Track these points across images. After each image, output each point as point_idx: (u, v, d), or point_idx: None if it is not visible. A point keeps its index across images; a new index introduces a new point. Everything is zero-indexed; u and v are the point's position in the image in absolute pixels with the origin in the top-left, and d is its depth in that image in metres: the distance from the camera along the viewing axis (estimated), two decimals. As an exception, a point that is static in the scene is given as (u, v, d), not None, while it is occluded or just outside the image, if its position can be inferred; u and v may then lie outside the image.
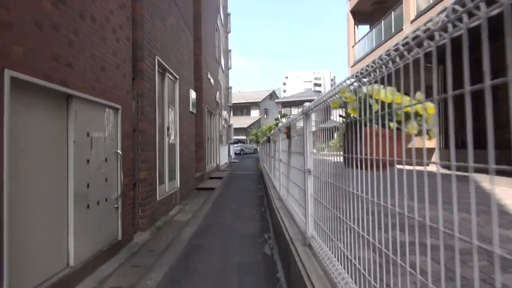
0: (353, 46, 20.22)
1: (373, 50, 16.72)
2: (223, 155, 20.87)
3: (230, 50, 34.48)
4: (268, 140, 8.75)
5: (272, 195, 6.39)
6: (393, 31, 14.95)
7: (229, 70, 35.06)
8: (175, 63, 7.40)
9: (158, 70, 6.11)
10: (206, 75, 13.10)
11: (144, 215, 5.05)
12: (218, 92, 17.33)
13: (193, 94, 9.45)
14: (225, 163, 22.33)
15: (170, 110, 6.98)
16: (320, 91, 59.40)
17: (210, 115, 14.69)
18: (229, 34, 35.54)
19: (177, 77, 7.55)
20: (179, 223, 5.82)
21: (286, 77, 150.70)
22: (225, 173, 14.69)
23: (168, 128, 6.68)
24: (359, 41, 19.42)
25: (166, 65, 6.48)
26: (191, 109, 9.25)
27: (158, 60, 5.94)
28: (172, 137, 7.12)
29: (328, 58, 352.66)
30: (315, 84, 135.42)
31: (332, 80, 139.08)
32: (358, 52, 19.28)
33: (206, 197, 8.56)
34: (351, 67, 20.42)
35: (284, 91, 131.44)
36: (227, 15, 30.40)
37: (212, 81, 14.95)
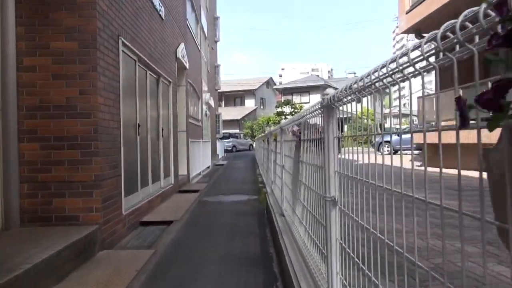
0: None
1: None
2: (203, 158, 13.03)
3: (218, 18, 26.51)
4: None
5: None
6: None
7: (217, 44, 27.17)
8: None
9: None
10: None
11: None
12: (183, 46, 9.43)
13: None
14: (207, 168, 14.49)
15: None
16: (322, 78, 51.09)
17: (156, 81, 6.81)
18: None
19: None
20: None
21: (283, 69, 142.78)
22: (182, 209, 6.81)
23: None
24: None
25: None
26: None
27: None
28: None
29: (324, 52, 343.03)
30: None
31: (329, 72, 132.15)
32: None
33: None
34: (407, 13, 12.64)
35: (280, 83, 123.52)
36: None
37: (162, 11, 7.08)
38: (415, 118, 16.94)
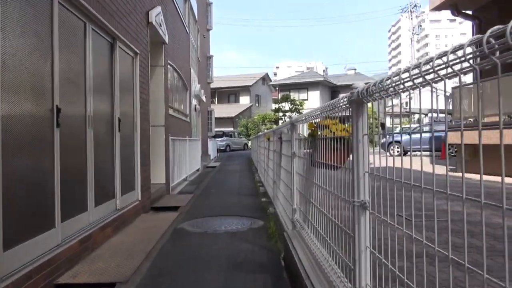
0: None
1: None
2: (190, 160, 10.57)
3: (210, 3, 23.97)
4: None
5: None
6: None
7: (210, 33, 24.64)
8: None
9: None
10: None
11: None
12: (159, 10, 6.92)
13: None
14: (196, 171, 12.03)
15: None
16: (321, 74, 47.86)
17: (110, 46, 4.33)
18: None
19: None
20: None
21: (277, 67, 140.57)
22: (143, 250, 4.34)
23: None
24: None
25: None
26: None
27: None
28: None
29: (318, 51, 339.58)
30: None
31: (324, 71, 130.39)
32: None
33: None
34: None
35: (276, 81, 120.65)
36: None
37: None
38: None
